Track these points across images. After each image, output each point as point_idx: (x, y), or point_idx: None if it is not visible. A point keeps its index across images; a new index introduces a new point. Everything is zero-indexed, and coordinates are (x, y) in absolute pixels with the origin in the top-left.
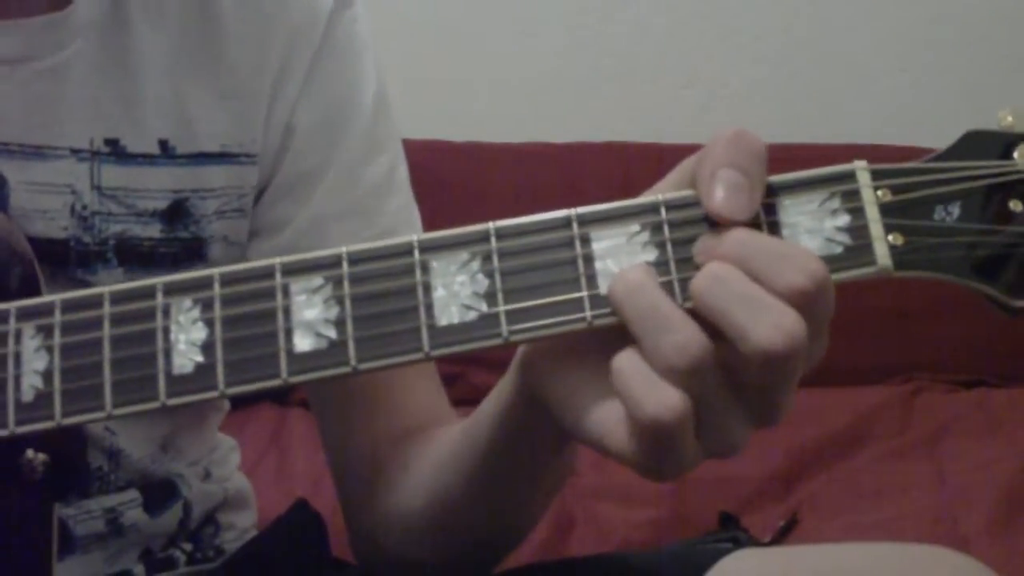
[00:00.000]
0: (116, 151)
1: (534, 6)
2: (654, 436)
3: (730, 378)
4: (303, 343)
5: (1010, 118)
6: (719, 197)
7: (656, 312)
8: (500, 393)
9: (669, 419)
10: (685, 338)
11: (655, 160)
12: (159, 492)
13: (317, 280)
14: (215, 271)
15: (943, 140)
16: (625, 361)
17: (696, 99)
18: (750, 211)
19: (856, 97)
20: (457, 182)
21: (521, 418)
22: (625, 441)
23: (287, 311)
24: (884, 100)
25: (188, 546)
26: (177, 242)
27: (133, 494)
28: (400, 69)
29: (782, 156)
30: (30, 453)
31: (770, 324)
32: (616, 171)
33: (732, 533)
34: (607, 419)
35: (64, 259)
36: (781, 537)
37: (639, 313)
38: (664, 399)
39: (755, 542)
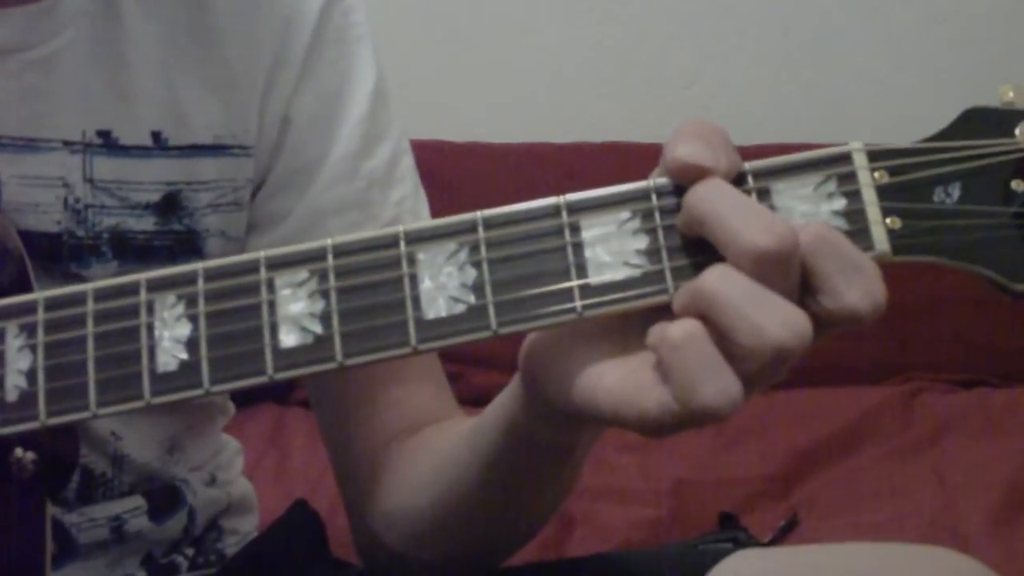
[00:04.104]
0: (108, 143)
1: (534, 6)
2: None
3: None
4: (288, 338)
5: (1011, 94)
6: (679, 150)
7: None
8: (504, 402)
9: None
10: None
11: (655, 160)
12: (164, 499)
13: (302, 274)
14: (199, 265)
15: None
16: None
17: (696, 99)
18: (713, 159)
19: (856, 97)
20: (457, 182)
21: (525, 428)
22: (655, 390)
23: (272, 306)
24: (884, 100)
25: (190, 551)
26: (171, 235)
27: (138, 501)
28: (400, 69)
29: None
30: (19, 451)
31: (763, 228)
32: (616, 171)
33: (732, 533)
34: (627, 380)
35: (57, 253)
36: (781, 537)
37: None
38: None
39: (755, 542)
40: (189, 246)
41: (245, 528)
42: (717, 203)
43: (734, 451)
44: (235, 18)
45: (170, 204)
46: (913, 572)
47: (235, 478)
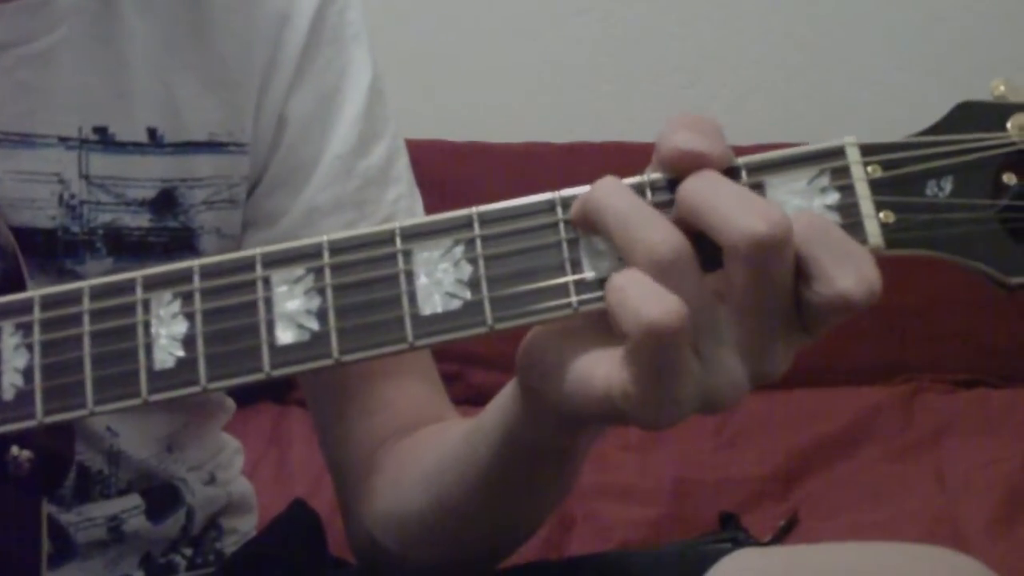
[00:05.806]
0: (104, 139)
1: (534, 6)
2: (655, 350)
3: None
4: (285, 335)
5: (1002, 88)
6: (675, 139)
7: (639, 209)
8: (502, 405)
9: (668, 322)
10: (665, 232)
11: None
12: (162, 498)
13: (298, 271)
14: (195, 263)
15: None
16: (622, 277)
17: (696, 99)
18: (709, 146)
19: (856, 97)
20: (457, 182)
21: (523, 433)
22: (627, 376)
23: (268, 303)
24: (884, 100)
25: (189, 551)
26: (166, 232)
27: (136, 500)
28: (400, 69)
29: None
30: (15, 450)
31: (758, 214)
32: (616, 171)
33: (732, 533)
34: (610, 368)
35: (52, 249)
36: (781, 537)
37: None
38: (664, 302)
39: (755, 542)
40: (184, 243)
41: (244, 528)
42: (710, 193)
43: (734, 451)
44: (231, 15)
45: (165, 201)
46: (913, 572)
47: (234, 477)
